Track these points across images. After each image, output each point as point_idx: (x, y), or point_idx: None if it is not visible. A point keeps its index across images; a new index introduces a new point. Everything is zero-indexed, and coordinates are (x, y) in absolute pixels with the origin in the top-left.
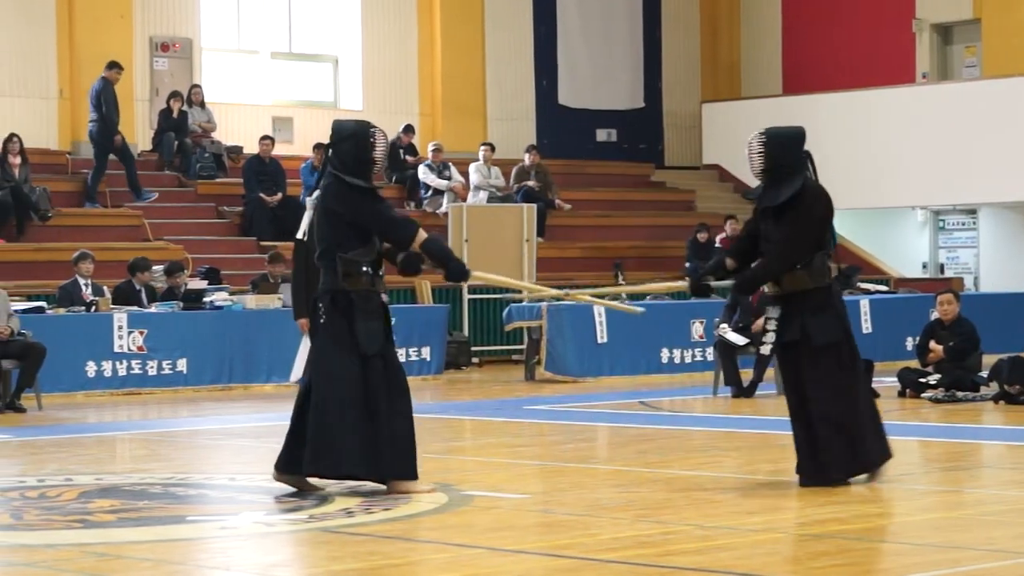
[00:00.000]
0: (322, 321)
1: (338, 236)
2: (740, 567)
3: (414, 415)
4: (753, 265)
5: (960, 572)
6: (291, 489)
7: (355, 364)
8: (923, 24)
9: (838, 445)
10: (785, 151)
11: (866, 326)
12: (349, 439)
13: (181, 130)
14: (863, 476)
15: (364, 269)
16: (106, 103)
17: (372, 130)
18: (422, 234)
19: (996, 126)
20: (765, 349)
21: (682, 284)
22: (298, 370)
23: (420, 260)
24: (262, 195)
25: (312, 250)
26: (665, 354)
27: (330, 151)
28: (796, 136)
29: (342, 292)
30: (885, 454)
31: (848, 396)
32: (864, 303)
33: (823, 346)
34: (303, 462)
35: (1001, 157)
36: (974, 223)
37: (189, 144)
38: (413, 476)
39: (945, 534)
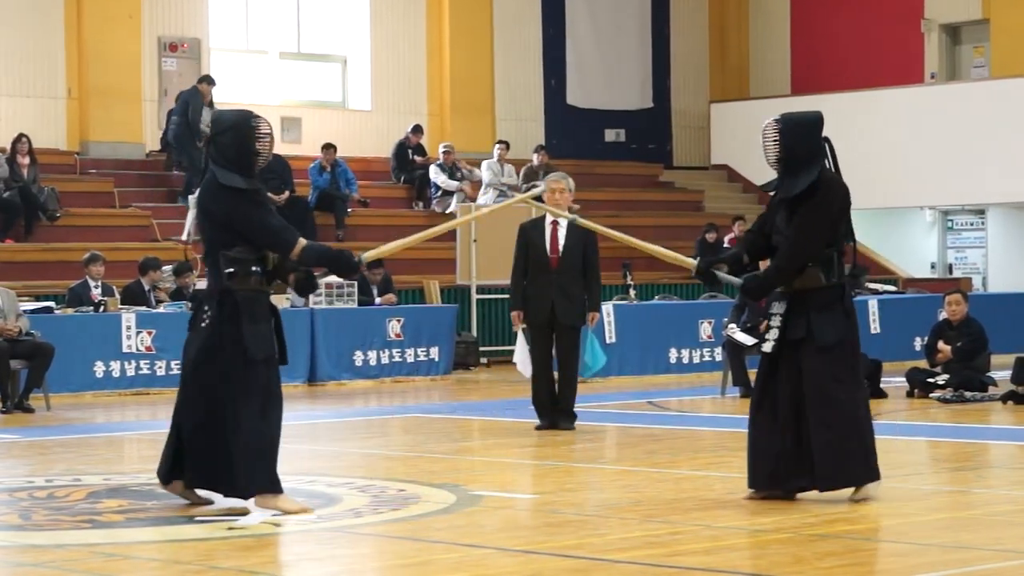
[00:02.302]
0: (204, 324)
1: (218, 235)
2: (748, 567)
3: (425, 415)
4: (763, 267)
5: (968, 572)
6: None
7: (239, 369)
8: (932, 24)
9: (831, 454)
10: (801, 139)
11: (874, 326)
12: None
13: None
14: (845, 492)
15: (253, 269)
16: (193, 114)
17: (255, 120)
18: (302, 242)
19: (1005, 126)
20: (767, 347)
21: (690, 262)
22: (523, 360)
23: (313, 280)
24: (269, 194)
25: None
26: (673, 354)
27: (211, 144)
28: (813, 122)
29: (227, 292)
30: (875, 473)
31: (849, 403)
32: (872, 303)
33: (827, 346)
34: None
35: (1010, 157)
36: (982, 223)
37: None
38: (274, 489)
39: (953, 534)
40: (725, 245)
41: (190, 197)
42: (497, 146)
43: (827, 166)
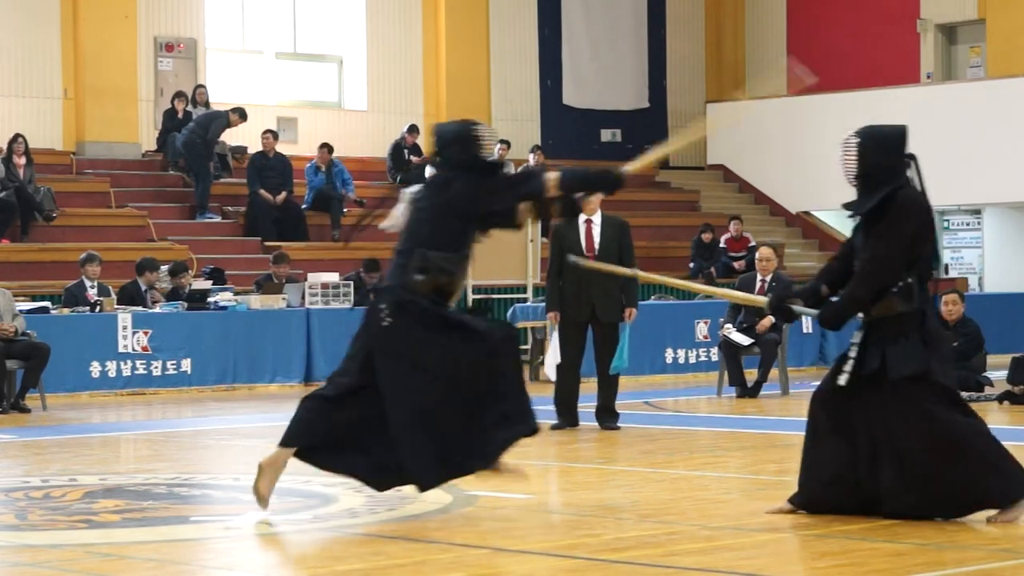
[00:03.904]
0: (384, 324)
1: (435, 234)
2: (744, 567)
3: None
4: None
5: (964, 572)
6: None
7: (407, 372)
8: (927, 24)
9: (932, 489)
10: (882, 153)
11: None
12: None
13: None
14: (975, 515)
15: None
16: (213, 133)
17: (475, 130)
18: (553, 174)
19: (1001, 126)
20: (842, 380)
21: (761, 300)
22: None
23: (576, 204)
24: (263, 192)
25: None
26: (670, 354)
27: (437, 160)
28: (895, 136)
29: (411, 300)
30: (1014, 494)
31: (943, 434)
32: None
33: (903, 379)
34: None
35: (1006, 157)
36: (979, 223)
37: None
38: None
39: (949, 534)
40: (721, 245)
41: (403, 191)
42: (499, 145)
43: (906, 183)
